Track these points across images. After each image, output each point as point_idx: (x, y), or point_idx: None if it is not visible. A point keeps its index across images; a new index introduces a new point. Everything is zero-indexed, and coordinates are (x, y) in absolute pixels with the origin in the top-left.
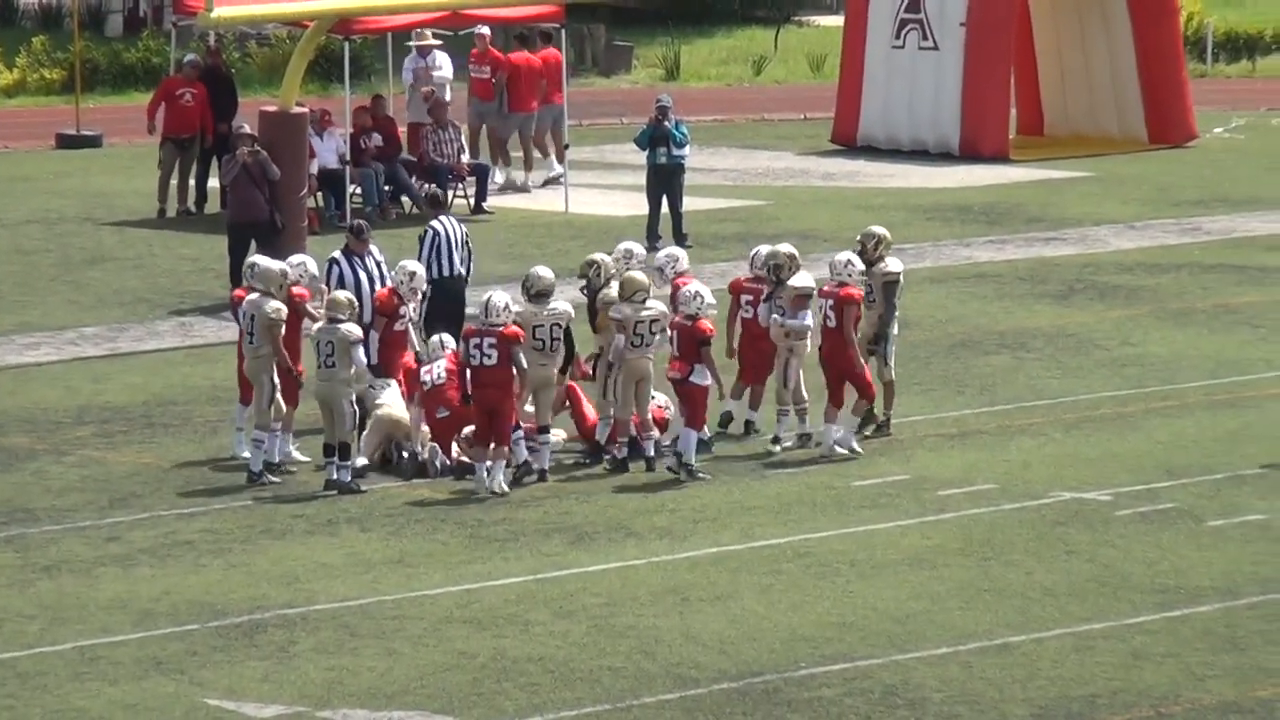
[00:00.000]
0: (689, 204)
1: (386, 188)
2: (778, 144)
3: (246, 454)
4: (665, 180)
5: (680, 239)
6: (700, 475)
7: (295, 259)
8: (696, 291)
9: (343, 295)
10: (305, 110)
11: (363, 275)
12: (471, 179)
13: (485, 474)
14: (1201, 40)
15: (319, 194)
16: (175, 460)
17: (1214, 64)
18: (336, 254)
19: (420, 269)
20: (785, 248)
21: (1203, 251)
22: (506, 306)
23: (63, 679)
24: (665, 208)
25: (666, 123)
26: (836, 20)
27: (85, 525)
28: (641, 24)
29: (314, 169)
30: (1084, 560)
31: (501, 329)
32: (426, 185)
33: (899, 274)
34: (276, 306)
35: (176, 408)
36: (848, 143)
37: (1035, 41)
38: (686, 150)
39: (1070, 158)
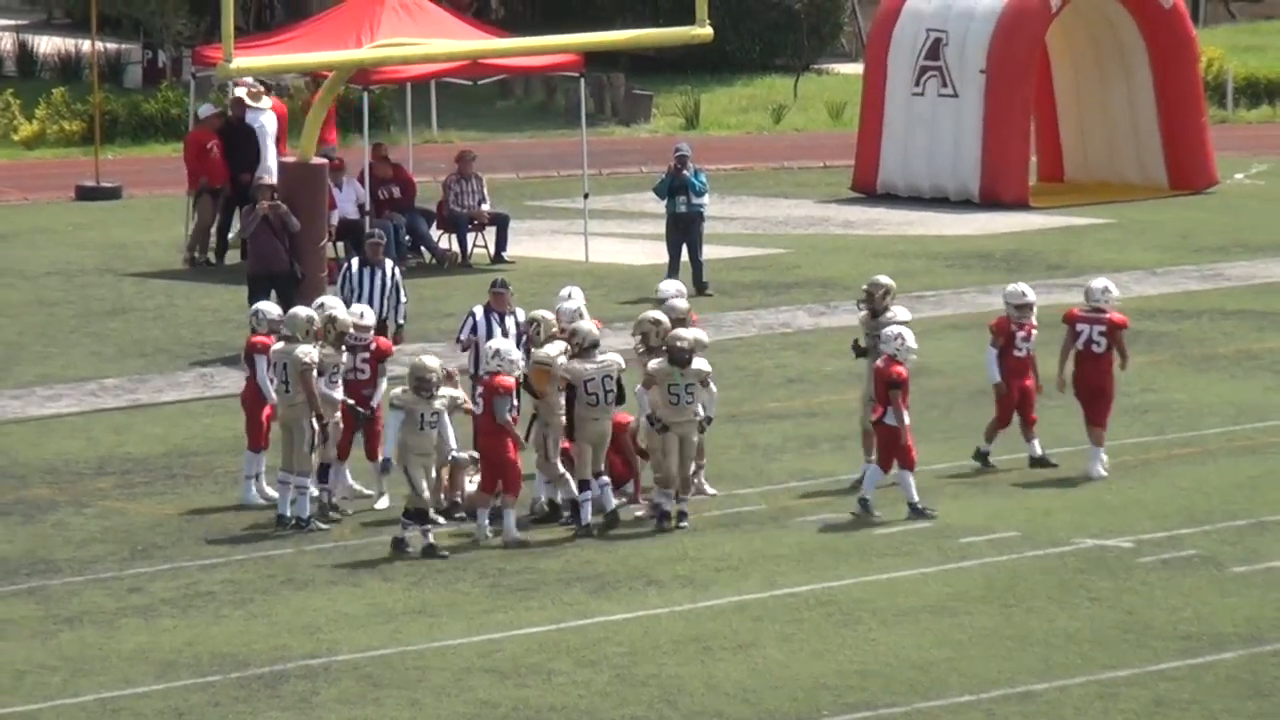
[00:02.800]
0: (709, 252)
1: (407, 239)
2: (798, 192)
3: (260, 500)
4: (685, 229)
5: (701, 288)
6: (929, 512)
7: (356, 308)
8: (899, 334)
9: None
10: (325, 161)
11: (498, 331)
12: (492, 228)
13: (485, 522)
14: (1222, 86)
15: (339, 244)
16: (197, 511)
17: (1235, 109)
18: (477, 308)
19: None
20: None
21: (1224, 297)
22: (497, 354)
23: None
24: (685, 256)
25: (686, 171)
26: (856, 68)
27: (107, 576)
28: (661, 73)
29: (334, 219)
30: (1107, 607)
31: (488, 378)
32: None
33: (908, 322)
34: (306, 350)
35: (198, 459)
36: (868, 190)
37: (1055, 88)
38: (706, 199)
39: (1091, 204)
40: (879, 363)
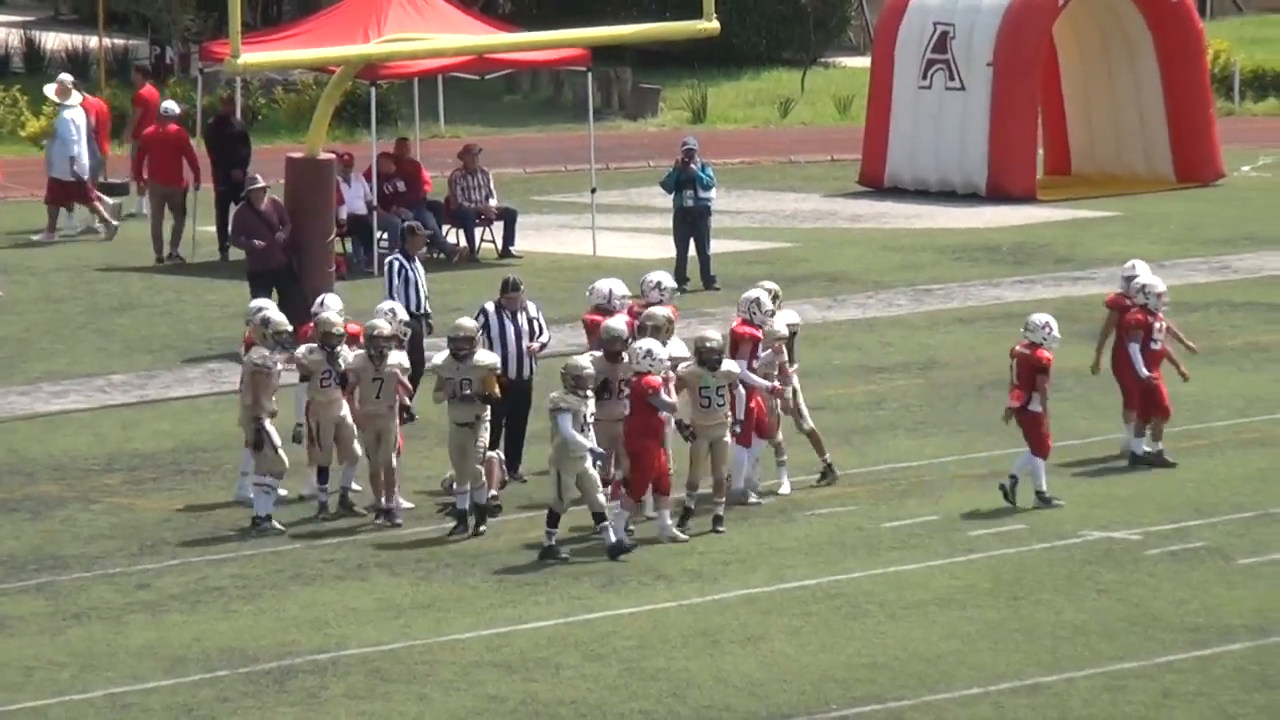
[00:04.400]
0: (716, 246)
1: None
2: (805, 186)
3: (249, 494)
4: (692, 223)
5: (708, 281)
6: (1055, 501)
7: (385, 305)
8: (1046, 322)
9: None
10: (332, 157)
11: (510, 329)
12: (499, 223)
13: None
14: (1229, 78)
15: (347, 239)
16: (205, 506)
17: (1241, 102)
18: (489, 305)
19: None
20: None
21: (1231, 290)
22: (648, 354)
23: None
24: (693, 250)
25: (693, 165)
26: (863, 61)
27: (115, 572)
28: (667, 67)
29: (343, 214)
30: (1114, 599)
31: (636, 379)
32: (407, 224)
33: (799, 324)
34: (257, 353)
35: (206, 454)
36: (875, 184)
37: (1062, 81)
38: (713, 193)
39: (1098, 197)
40: (1021, 349)
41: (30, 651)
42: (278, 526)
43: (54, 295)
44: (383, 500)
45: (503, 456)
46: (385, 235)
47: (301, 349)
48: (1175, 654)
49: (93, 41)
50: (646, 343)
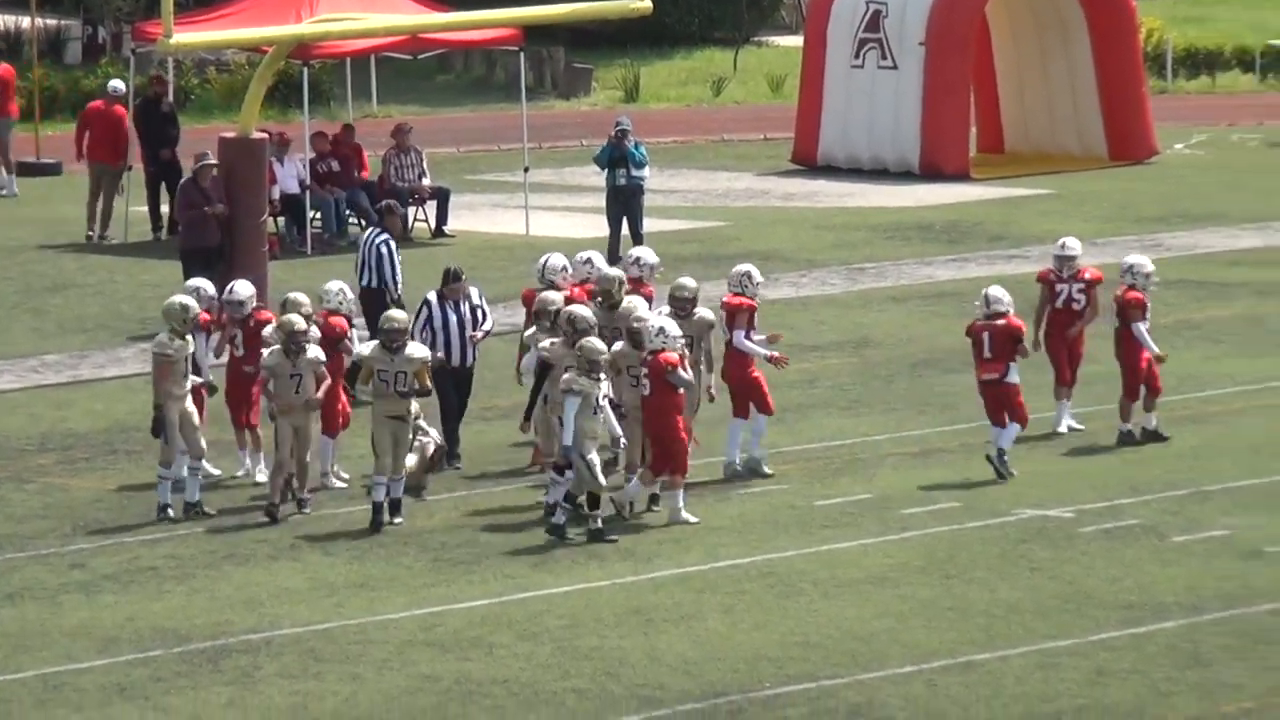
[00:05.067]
0: (649, 225)
1: (348, 213)
2: (738, 165)
3: (183, 474)
4: (625, 202)
5: None
6: (1011, 471)
7: (334, 285)
8: (1001, 295)
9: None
10: (265, 136)
11: (453, 318)
12: (432, 202)
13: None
14: (1161, 56)
15: (281, 219)
16: (139, 486)
17: (1174, 80)
18: (430, 295)
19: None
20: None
21: (1164, 267)
22: (661, 331)
23: (27, 707)
24: (625, 229)
25: (626, 143)
26: (796, 40)
27: (48, 552)
28: (600, 46)
29: (276, 194)
30: (1048, 577)
31: (653, 357)
32: (386, 202)
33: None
34: (158, 340)
35: (139, 434)
36: (808, 163)
37: (995, 59)
38: (646, 171)
39: (1031, 175)
40: (1002, 323)
41: None
42: (208, 511)
43: None
44: (278, 497)
45: (443, 444)
46: (318, 215)
47: (269, 328)
48: (1109, 631)
49: (25, 22)
50: (659, 320)
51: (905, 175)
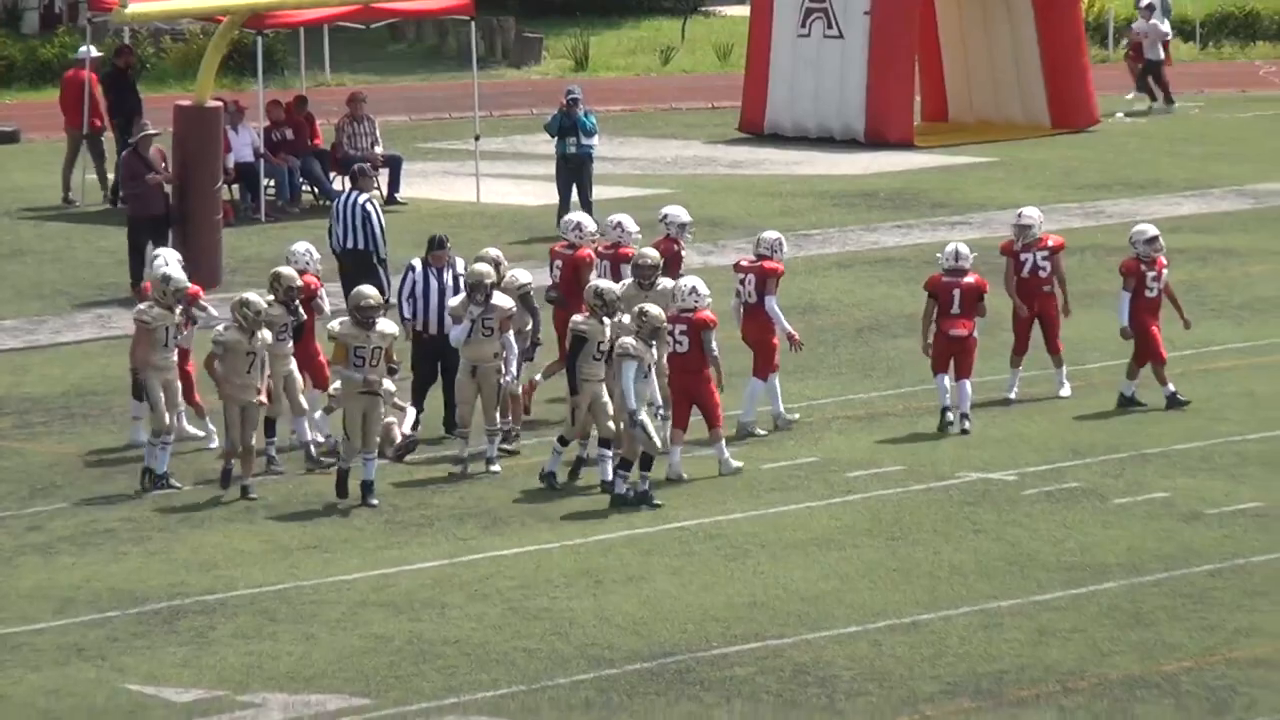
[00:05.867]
0: (598, 193)
1: (301, 181)
2: (686, 133)
3: (141, 438)
4: (575, 170)
5: None
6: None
7: (300, 246)
8: (964, 250)
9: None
10: (220, 105)
11: (435, 285)
12: (385, 169)
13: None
14: (1103, 26)
15: (235, 186)
16: (95, 450)
17: (1115, 50)
18: (415, 261)
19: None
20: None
21: (1106, 234)
22: (693, 290)
23: None
24: (575, 197)
25: (576, 111)
26: (743, 10)
27: (5, 515)
28: (550, 16)
29: (231, 162)
30: (991, 539)
31: (690, 314)
32: (359, 165)
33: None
34: (138, 308)
35: (96, 398)
36: (755, 131)
37: (939, 28)
38: (595, 140)
39: (974, 143)
40: (970, 280)
41: None
42: (174, 484)
43: None
44: (240, 475)
45: (414, 434)
46: (272, 182)
47: (253, 293)
48: (1051, 592)
49: None
50: (689, 280)
51: (851, 143)
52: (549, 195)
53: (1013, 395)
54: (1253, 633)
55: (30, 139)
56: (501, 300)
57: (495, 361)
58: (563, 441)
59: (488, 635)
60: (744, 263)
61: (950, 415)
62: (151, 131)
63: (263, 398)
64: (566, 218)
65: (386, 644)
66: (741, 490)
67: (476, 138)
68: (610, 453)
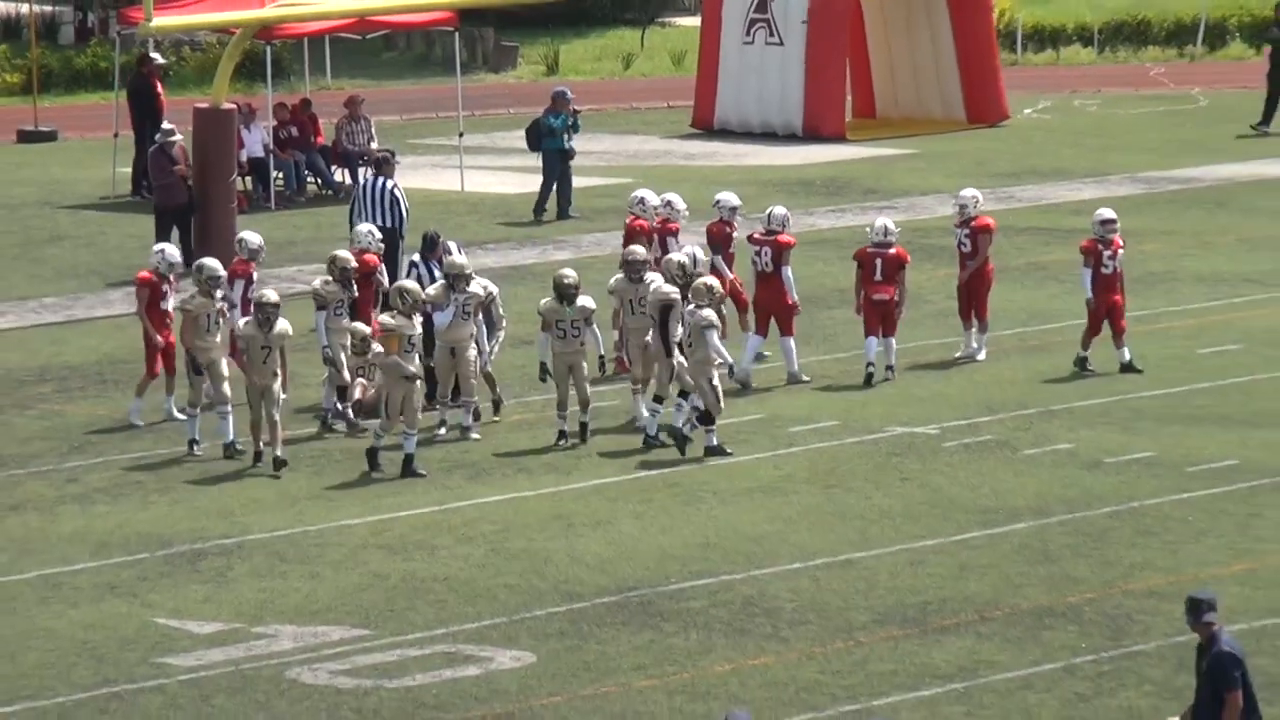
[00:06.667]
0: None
1: (306, 173)
2: (645, 129)
3: (139, 422)
4: (566, 163)
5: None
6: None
7: (364, 227)
8: (888, 225)
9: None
10: (234, 107)
11: (437, 275)
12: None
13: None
14: (1012, 33)
15: (248, 178)
16: (125, 412)
17: (1023, 53)
18: (415, 256)
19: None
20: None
21: (1015, 216)
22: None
23: (30, 603)
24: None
25: (567, 110)
26: (694, 21)
27: (47, 469)
28: (525, 26)
29: (243, 157)
30: (916, 486)
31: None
32: (379, 151)
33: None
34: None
35: (126, 366)
36: (706, 127)
37: (868, 36)
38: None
39: (899, 137)
40: (892, 252)
41: None
42: (240, 448)
43: None
44: (262, 446)
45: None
46: (280, 175)
47: (318, 281)
48: (969, 533)
49: (24, 8)
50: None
51: (790, 137)
52: (524, 185)
53: (981, 356)
54: (1146, 567)
55: (66, 138)
56: (477, 287)
57: (469, 342)
58: (658, 400)
59: (473, 573)
60: (758, 235)
61: (874, 370)
62: (175, 136)
63: (280, 384)
64: (639, 194)
65: (383, 581)
66: (697, 444)
67: (460, 134)
68: (686, 404)
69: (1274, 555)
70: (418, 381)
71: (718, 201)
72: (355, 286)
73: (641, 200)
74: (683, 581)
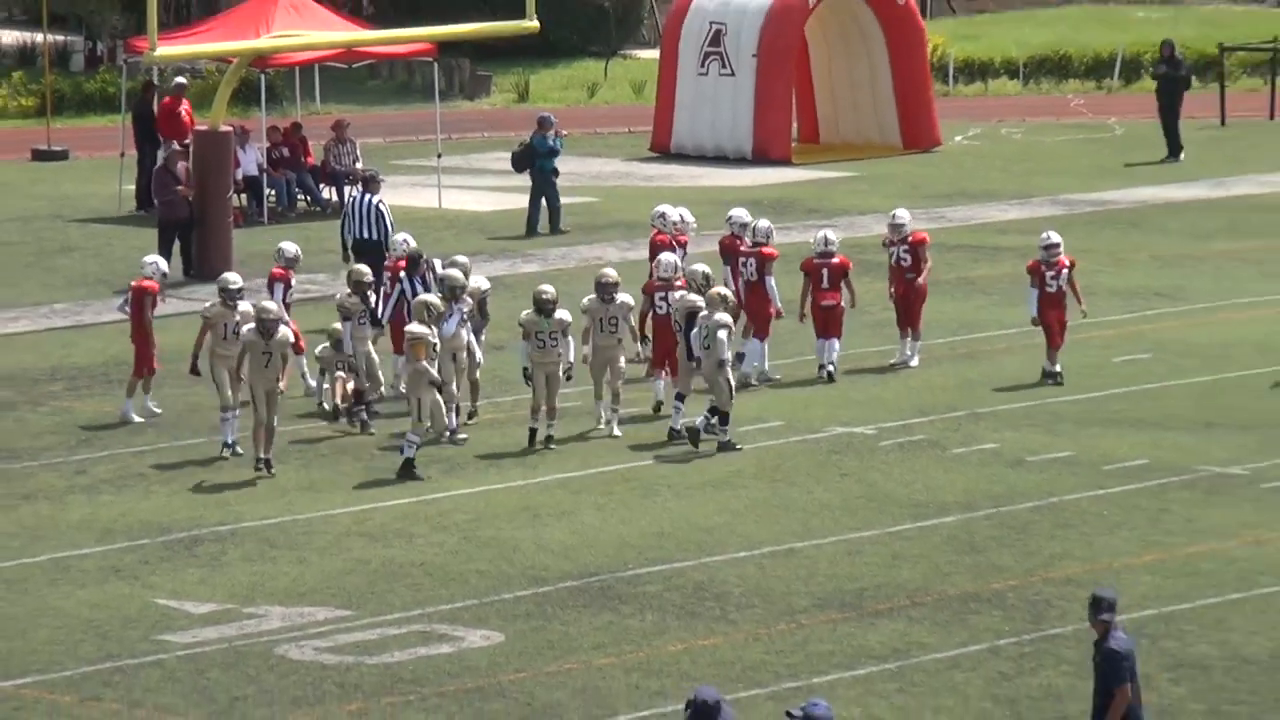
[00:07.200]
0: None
1: (297, 190)
2: (608, 152)
3: (135, 418)
4: (552, 183)
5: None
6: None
7: (400, 236)
8: (830, 236)
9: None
10: (231, 129)
11: (420, 289)
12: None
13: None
14: (945, 66)
15: (243, 195)
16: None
17: (955, 85)
18: (401, 274)
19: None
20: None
21: (947, 235)
22: (676, 267)
23: (41, 584)
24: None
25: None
26: (654, 53)
27: (56, 461)
28: (498, 57)
29: (239, 176)
30: (854, 481)
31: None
32: (365, 170)
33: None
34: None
35: (130, 367)
36: (663, 151)
37: (812, 68)
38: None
39: (840, 161)
40: (836, 261)
41: None
42: (239, 451)
43: (6, 240)
44: (262, 452)
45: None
46: (273, 192)
47: (340, 294)
48: (902, 525)
49: (38, 37)
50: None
51: (740, 160)
52: (499, 203)
53: (913, 362)
54: (1065, 557)
55: (77, 157)
56: (469, 299)
57: (464, 349)
58: (681, 398)
59: (447, 559)
60: (744, 248)
61: (827, 369)
62: (177, 150)
63: (283, 385)
64: (660, 209)
65: (365, 566)
66: (653, 442)
67: (439, 156)
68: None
69: (1182, 547)
70: (441, 386)
71: (730, 217)
72: (372, 297)
73: (663, 215)
74: (639, 568)
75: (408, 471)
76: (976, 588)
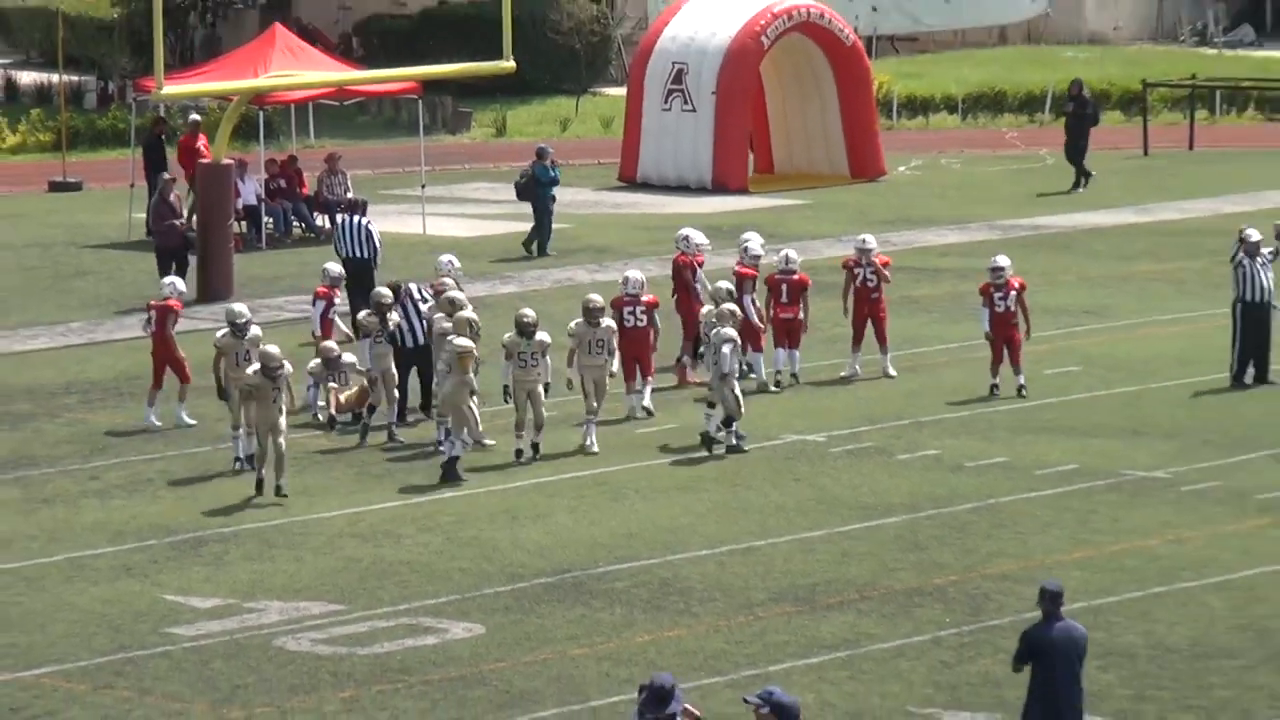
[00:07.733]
0: (518, 226)
1: (293, 219)
2: (579, 182)
3: (156, 423)
4: (550, 210)
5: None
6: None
7: (444, 257)
8: (790, 254)
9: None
10: (231, 162)
11: (411, 308)
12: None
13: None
14: (889, 102)
15: (243, 223)
16: (140, 420)
17: (898, 119)
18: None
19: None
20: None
21: (892, 257)
22: (643, 284)
23: (57, 582)
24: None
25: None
26: (621, 91)
27: (72, 468)
28: (478, 94)
29: (239, 205)
30: (806, 485)
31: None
32: (350, 197)
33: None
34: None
35: (140, 381)
36: (630, 180)
37: (767, 103)
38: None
39: (793, 189)
40: (795, 277)
41: (8, 527)
42: (251, 466)
43: (26, 264)
44: (264, 474)
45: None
46: (271, 220)
47: (362, 313)
48: (851, 525)
49: (55, 77)
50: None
51: (701, 189)
52: (479, 229)
53: (850, 372)
54: (1001, 554)
55: (90, 188)
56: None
57: None
58: (710, 405)
59: (432, 558)
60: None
61: (781, 376)
62: (174, 184)
63: (285, 406)
64: (683, 232)
65: (357, 564)
66: (621, 450)
67: (423, 186)
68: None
69: (1108, 545)
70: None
71: (745, 249)
72: (390, 317)
73: (686, 238)
74: (609, 565)
75: (451, 470)
76: (920, 583)
